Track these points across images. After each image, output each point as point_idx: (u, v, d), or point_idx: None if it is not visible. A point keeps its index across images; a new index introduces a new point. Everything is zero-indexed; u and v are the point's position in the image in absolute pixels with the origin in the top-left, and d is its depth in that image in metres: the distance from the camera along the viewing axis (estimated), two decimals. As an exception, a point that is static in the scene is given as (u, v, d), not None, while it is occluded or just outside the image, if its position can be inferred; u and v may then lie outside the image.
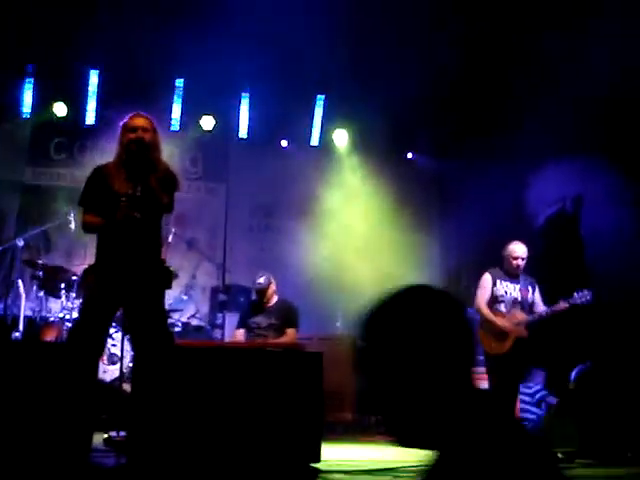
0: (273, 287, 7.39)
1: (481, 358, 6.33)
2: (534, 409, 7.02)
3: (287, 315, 7.24)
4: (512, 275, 6.33)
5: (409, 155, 10.76)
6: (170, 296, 8.17)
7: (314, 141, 10.27)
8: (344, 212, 10.05)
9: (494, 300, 6.27)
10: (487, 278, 6.37)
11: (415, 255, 9.79)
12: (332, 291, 9.34)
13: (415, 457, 4.05)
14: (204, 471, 3.02)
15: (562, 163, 7.93)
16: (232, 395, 3.11)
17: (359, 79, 9.17)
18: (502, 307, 6.25)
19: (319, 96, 10.10)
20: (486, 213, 8.58)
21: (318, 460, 3.19)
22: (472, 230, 9.16)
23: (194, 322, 8.03)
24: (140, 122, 4.52)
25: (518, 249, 6.34)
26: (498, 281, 6.31)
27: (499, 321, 6.16)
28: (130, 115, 4.61)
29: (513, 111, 8.44)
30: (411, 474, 3.12)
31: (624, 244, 6.84)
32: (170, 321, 7.66)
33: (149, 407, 3.21)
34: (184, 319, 7.84)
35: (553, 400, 6.82)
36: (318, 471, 3.09)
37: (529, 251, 6.53)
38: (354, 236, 9.85)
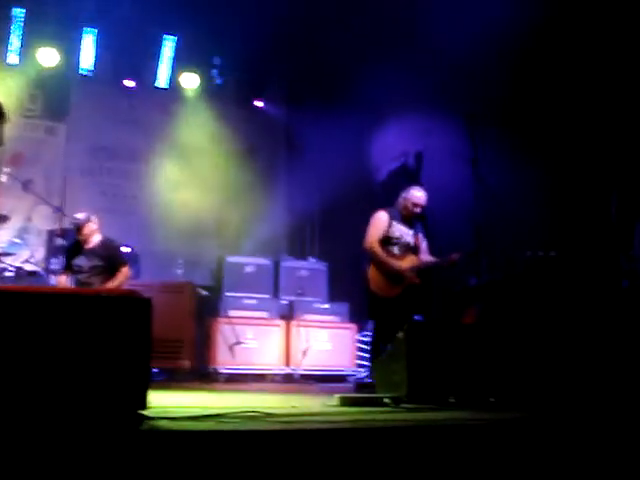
0: (93, 226, 6.83)
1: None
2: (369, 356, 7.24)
3: (112, 254, 6.81)
4: (408, 220, 6.11)
5: (259, 103, 10.67)
6: (2, 239, 7.79)
7: (161, 83, 9.96)
8: (190, 156, 9.87)
9: (387, 241, 6.01)
10: (382, 217, 6.08)
11: (260, 202, 9.83)
12: (174, 238, 9.21)
13: (241, 404, 4.07)
14: (25, 423, 2.90)
15: (406, 118, 8.13)
16: (52, 345, 2.99)
17: (210, 20, 8.99)
18: (395, 249, 6.01)
19: (168, 37, 9.78)
20: (330, 164, 8.72)
21: (144, 407, 3.14)
22: (316, 180, 9.29)
23: (28, 267, 7.64)
24: None
25: (421, 196, 6.11)
26: (394, 222, 6.06)
27: (396, 263, 5.95)
28: None
29: (363, 62, 8.54)
30: (236, 420, 3.14)
31: (462, 199, 6.94)
32: (1, 265, 7.29)
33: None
34: (17, 263, 7.46)
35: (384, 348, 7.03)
36: (143, 417, 3.05)
37: (373, 203, 6.53)
38: (199, 181, 9.72)
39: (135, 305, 3.02)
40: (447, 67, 7.92)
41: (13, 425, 2.70)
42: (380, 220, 6.09)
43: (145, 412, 3.10)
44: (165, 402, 3.87)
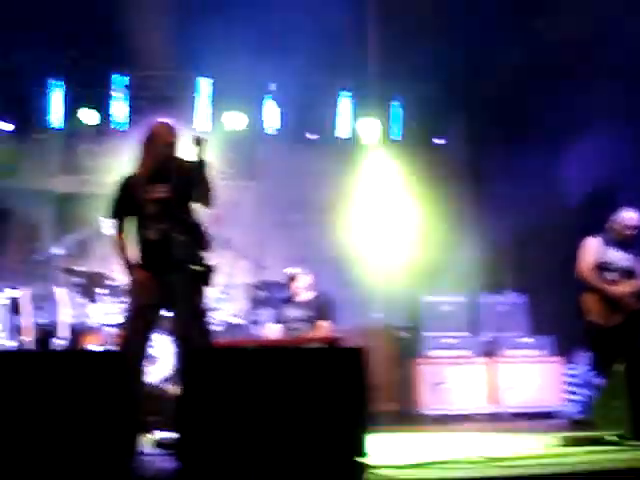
0: (306, 280, 7.39)
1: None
2: (582, 390, 6.91)
3: (322, 307, 7.26)
4: (622, 244, 5.92)
5: (440, 141, 10.62)
6: (209, 295, 8.23)
7: (341, 133, 10.20)
8: (377, 203, 10.01)
9: (601, 267, 5.84)
10: (593, 243, 5.92)
11: (451, 239, 9.74)
12: (370, 283, 9.32)
13: (458, 447, 4.00)
14: (251, 471, 3.02)
15: (593, 140, 7.83)
16: (274, 394, 3.10)
17: (384, 68, 9.16)
18: (611, 275, 5.82)
19: (345, 87, 10.05)
20: (519, 194, 8.51)
21: (363, 454, 3.17)
22: (506, 211, 9.09)
23: (234, 320, 8.05)
24: (164, 131, 4.57)
25: (632, 217, 5.92)
26: (607, 247, 5.90)
27: (616, 289, 5.71)
28: (157, 125, 4.64)
29: (541, 89, 8.36)
30: (459, 466, 3.08)
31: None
32: (211, 320, 7.70)
33: (195, 408, 3.22)
34: (224, 317, 7.87)
35: (600, 381, 6.67)
36: (365, 465, 3.07)
37: (568, 230, 6.32)
38: (387, 224, 9.80)
39: (350, 354, 3.08)
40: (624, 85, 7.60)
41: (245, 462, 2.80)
42: (591, 246, 5.94)
43: (364, 460, 3.13)
44: (379, 448, 3.88)
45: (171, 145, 4.51)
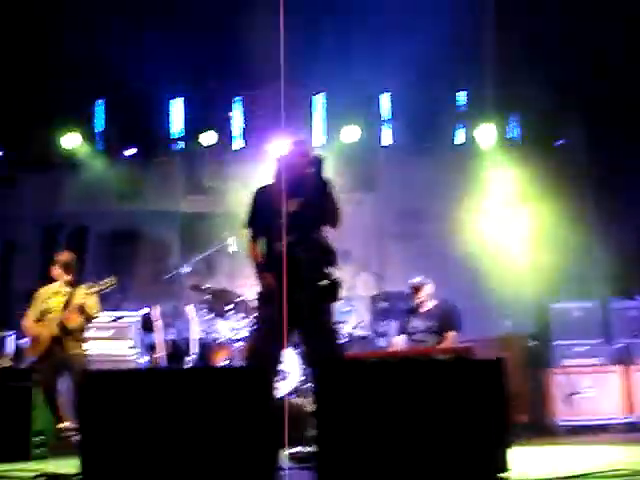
0: (429, 289, 7.34)
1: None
2: None
3: (446, 318, 7.18)
4: None
5: (558, 142, 10.29)
6: (334, 309, 8.31)
7: (458, 139, 10.07)
8: (496, 207, 9.82)
9: None
10: None
11: (575, 242, 9.41)
12: (497, 290, 9.13)
13: (598, 459, 3.83)
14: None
15: None
16: (412, 407, 3.08)
17: (500, 70, 9.01)
18: None
19: (459, 93, 9.92)
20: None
21: (506, 470, 3.09)
22: (633, 213, 8.74)
23: (358, 332, 8.08)
24: (298, 148, 4.67)
25: None
26: None
27: None
28: (290, 140, 4.76)
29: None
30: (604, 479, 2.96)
31: None
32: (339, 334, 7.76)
33: (332, 422, 3.23)
34: (348, 330, 7.89)
35: None
36: (509, 481, 2.99)
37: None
38: (512, 232, 9.59)
39: (490, 366, 3.02)
40: None
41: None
42: None
43: (507, 476, 3.05)
44: (517, 462, 3.77)
45: (304, 161, 4.59)
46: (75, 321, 6.48)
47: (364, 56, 9.29)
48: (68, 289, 6.64)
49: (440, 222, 10.06)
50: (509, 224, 9.66)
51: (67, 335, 6.44)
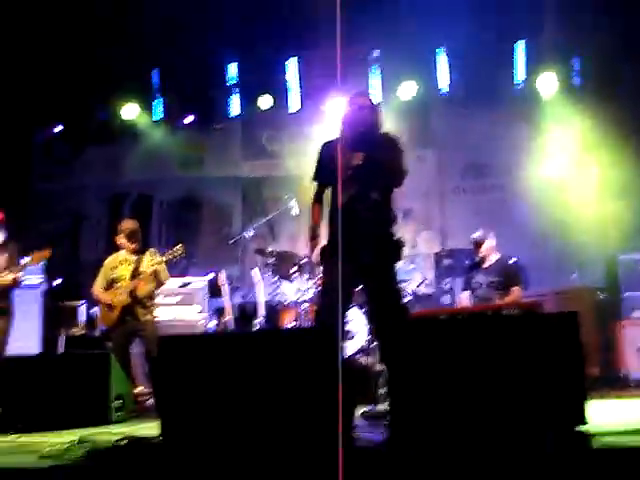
0: (491, 243, 7.20)
1: None
2: None
3: (509, 272, 7.06)
4: None
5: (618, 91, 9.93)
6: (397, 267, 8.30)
7: (519, 90, 9.83)
8: (561, 159, 9.60)
9: None
10: None
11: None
12: (563, 243, 8.98)
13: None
14: (465, 442, 3.01)
15: None
16: (486, 363, 3.07)
17: (562, 18, 8.75)
18: None
19: (519, 41, 9.66)
20: None
21: (584, 422, 3.06)
22: None
23: (422, 290, 8.05)
24: (361, 101, 4.62)
25: None
26: None
27: None
28: (352, 95, 4.71)
29: None
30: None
31: None
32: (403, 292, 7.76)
33: (403, 381, 3.25)
34: (412, 288, 7.88)
35: None
36: (587, 434, 2.97)
37: None
38: (577, 183, 9.38)
39: (566, 319, 2.98)
40: None
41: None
42: None
43: (584, 428, 3.03)
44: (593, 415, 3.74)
45: (364, 112, 4.55)
46: (145, 289, 6.60)
47: (419, 9, 9.13)
48: (134, 257, 6.74)
49: (503, 175, 9.93)
50: (574, 175, 9.44)
51: (137, 303, 6.57)
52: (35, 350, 8.05)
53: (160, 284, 6.80)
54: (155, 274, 6.59)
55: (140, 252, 6.81)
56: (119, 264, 6.76)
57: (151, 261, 6.69)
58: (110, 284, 6.72)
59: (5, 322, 6.35)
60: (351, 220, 4.39)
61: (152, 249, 6.93)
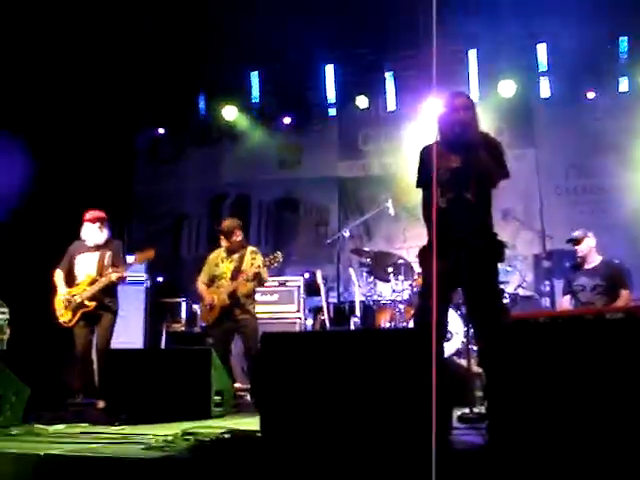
0: (591, 242, 6.94)
1: None
2: None
3: (614, 275, 6.79)
4: None
5: None
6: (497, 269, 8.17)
7: (622, 87, 9.50)
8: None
9: None
10: None
11: None
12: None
13: None
14: (562, 446, 2.95)
15: None
16: (582, 367, 3.01)
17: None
18: None
19: (621, 38, 9.34)
20: None
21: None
22: None
23: (521, 292, 7.91)
24: (459, 102, 4.56)
25: None
26: None
27: None
28: (449, 95, 4.66)
29: None
30: None
31: None
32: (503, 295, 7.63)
33: (502, 384, 3.22)
34: (511, 290, 7.75)
35: None
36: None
37: None
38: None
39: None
40: None
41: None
42: None
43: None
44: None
45: (460, 113, 4.50)
46: (245, 288, 6.71)
47: (518, 6, 8.96)
48: (235, 255, 6.86)
49: (606, 176, 9.63)
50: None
51: (236, 304, 6.66)
52: (139, 345, 8.36)
53: (261, 284, 6.91)
54: (256, 276, 6.69)
55: (240, 250, 6.90)
56: (222, 260, 6.89)
57: (252, 260, 6.79)
58: (212, 280, 6.86)
59: (110, 318, 6.59)
60: (449, 222, 4.37)
61: (253, 248, 7.03)
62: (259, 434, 3.43)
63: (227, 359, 6.68)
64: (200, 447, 3.02)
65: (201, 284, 6.89)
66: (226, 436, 3.23)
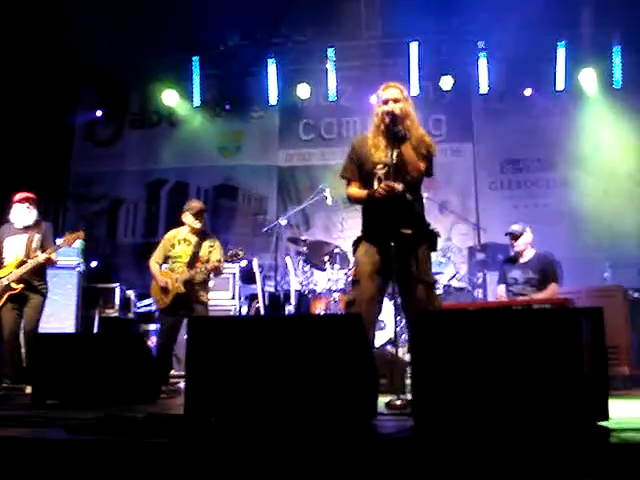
0: (528, 237, 7.11)
1: None
2: None
3: (546, 268, 6.98)
4: None
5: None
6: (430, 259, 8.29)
7: (559, 86, 9.71)
8: (599, 157, 9.50)
9: None
10: None
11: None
12: (597, 242, 8.90)
13: None
14: (484, 431, 3.02)
15: None
16: (505, 357, 3.08)
17: (601, 14, 8.64)
18: None
19: (560, 42, 9.53)
20: None
21: (606, 418, 3.06)
22: None
23: (455, 284, 8.03)
24: (391, 93, 4.57)
25: None
26: None
27: None
28: (382, 87, 4.66)
29: None
30: None
31: None
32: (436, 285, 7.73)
33: (429, 370, 3.27)
34: (445, 281, 7.87)
35: None
36: (608, 430, 2.96)
37: None
38: (614, 181, 9.28)
39: (590, 315, 2.98)
40: None
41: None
42: None
43: (606, 424, 3.03)
44: (618, 412, 3.72)
45: (389, 104, 4.50)
46: (200, 275, 6.57)
47: (460, 1, 9.09)
48: (195, 238, 6.68)
49: (540, 172, 9.85)
50: (611, 174, 9.33)
51: (192, 291, 6.53)
52: (70, 329, 8.23)
53: (216, 275, 6.86)
54: (214, 270, 6.61)
55: (202, 235, 6.77)
56: (179, 242, 6.69)
57: (210, 248, 6.69)
58: (165, 259, 6.73)
59: (38, 300, 6.46)
60: (381, 213, 4.40)
61: (214, 238, 6.89)
62: (181, 417, 3.41)
63: (170, 347, 6.60)
64: (120, 430, 2.99)
65: (154, 263, 6.68)
66: (147, 419, 3.20)
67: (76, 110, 10.94)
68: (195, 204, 6.79)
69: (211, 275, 6.77)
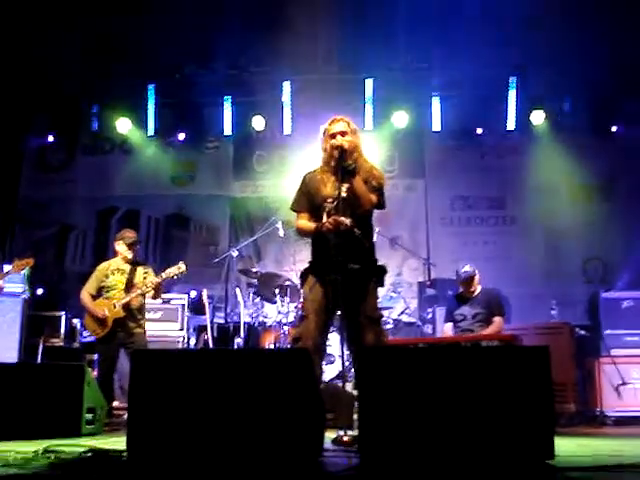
0: (477, 277, 7.25)
1: None
2: None
3: (492, 304, 7.09)
4: None
5: (615, 128, 9.97)
6: (379, 294, 8.31)
7: (510, 125, 9.88)
8: (549, 196, 9.70)
9: None
10: None
11: (625, 234, 9.24)
12: (544, 279, 9.04)
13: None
14: (432, 467, 3.01)
15: None
16: (453, 393, 3.08)
17: (553, 56, 8.85)
18: None
19: (511, 78, 9.73)
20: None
21: (552, 456, 3.07)
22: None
23: (405, 318, 8.07)
24: (339, 127, 4.59)
25: None
26: None
27: None
28: (329, 120, 4.68)
29: None
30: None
31: None
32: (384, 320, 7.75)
33: (375, 406, 3.25)
34: (395, 316, 7.90)
35: None
36: (554, 468, 2.98)
37: None
38: (562, 220, 9.47)
39: (535, 353, 3.00)
40: None
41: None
42: None
43: (553, 462, 3.04)
44: (564, 450, 3.74)
45: (336, 138, 4.51)
46: (137, 301, 6.56)
47: (413, 38, 9.23)
48: (128, 267, 6.67)
49: (490, 209, 9.99)
50: (561, 214, 9.52)
51: (130, 316, 6.51)
52: (13, 359, 8.00)
53: (157, 296, 6.77)
54: (156, 286, 6.55)
55: (135, 264, 6.77)
56: (112, 273, 6.68)
57: (145, 274, 6.66)
58: (99, 291, 6.65)
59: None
60: (328, 247, 4.40)
61: (146, 264, 6.91)
62: (124, 453, 3.33)
63: (111, 377, 6.50)
64: (59, 465, 2.90)
65: (87, 294, 6.62)
66: (88, 454, 3.11)
67: (29, 135, 10.77)
68: (129, 234, 6.81)
69: (151, 299, 6.70)
